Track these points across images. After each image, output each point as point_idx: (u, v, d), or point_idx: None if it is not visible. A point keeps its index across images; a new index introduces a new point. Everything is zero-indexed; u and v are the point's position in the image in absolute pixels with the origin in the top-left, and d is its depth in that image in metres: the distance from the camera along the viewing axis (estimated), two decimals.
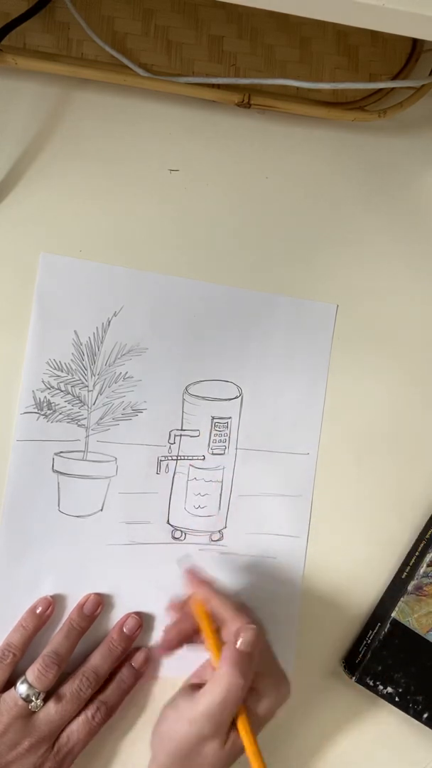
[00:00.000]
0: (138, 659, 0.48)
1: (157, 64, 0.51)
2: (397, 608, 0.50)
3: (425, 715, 0.50)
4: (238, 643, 0.41)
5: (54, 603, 0.47)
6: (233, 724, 0.41)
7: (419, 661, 0.50)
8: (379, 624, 0.50)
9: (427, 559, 0.51)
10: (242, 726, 0.41)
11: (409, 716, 0.50)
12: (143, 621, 0.48)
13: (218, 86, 0.50)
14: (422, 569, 0.51)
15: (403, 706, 0.50)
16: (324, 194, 0.54)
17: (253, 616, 0.45)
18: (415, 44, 0.54)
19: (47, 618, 0.47)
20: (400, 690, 0.50)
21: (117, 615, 0.48)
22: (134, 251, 0.51)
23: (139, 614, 0.49)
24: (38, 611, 0.47)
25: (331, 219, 0.54)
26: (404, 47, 0.54)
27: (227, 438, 0.51)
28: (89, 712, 0.46)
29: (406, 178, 0.55)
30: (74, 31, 0.50)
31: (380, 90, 0.54)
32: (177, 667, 0.49)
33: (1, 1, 0.49)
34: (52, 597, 0.47)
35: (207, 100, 0.51)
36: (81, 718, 0.45)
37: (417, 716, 0.50)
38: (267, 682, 0.43)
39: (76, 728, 0.45)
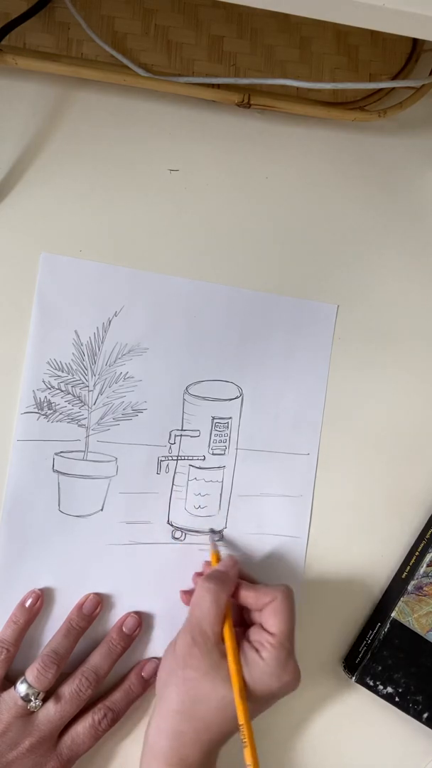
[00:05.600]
0: (148, 670, 0.48)
1: (157, 64, 0.51)
2: (396, 608, 0.50)
3: (425, 715, 0.50)
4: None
5: (43, 595, 0.47)
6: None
7: (419, 662, 0.50)
8: (379, 624, 0.51)
9: (427, 559, 0.51)
10: (226, 631, 0.43)
11: (409, 716, 0.50)
12: (143, 620, 0.48)
13: (218, 86, 0.50)
14: (422, 569, 0.51)
15: (403, 706, 0.50)
16: (324, 194, 0.54)
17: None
18: (415, 44, 0.54)
19: (37, 610, 0.47)
20: (400, 690, 0.50)
21: (117, 615, 0.48)
22: (134, 251, 0.51)
23: (138, 614, 0.49)
24: (27, 604, 0.47)
25: (331, 219, 0.54)
26: (404, 47, 0.54)
27: (227, 438, 0.51)
28: (96, 717, 0.46)
29: (406, 178, 0.55)
30: (74, 31, 0.50)
31: (380, 90, 0.54)
32: None
33: (1, 1, 0.49)
34: (41, 590, 0.47)
35: (207, 100, 0.51)
36: (87, 723, 0.45)
37: (417, 716, 0.50)
38: (271, 650, 0.43)
39: (82, 731, 0.45)
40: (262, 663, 0.42)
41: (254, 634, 0.44)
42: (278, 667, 0.42)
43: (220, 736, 0.43)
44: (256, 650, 0.43)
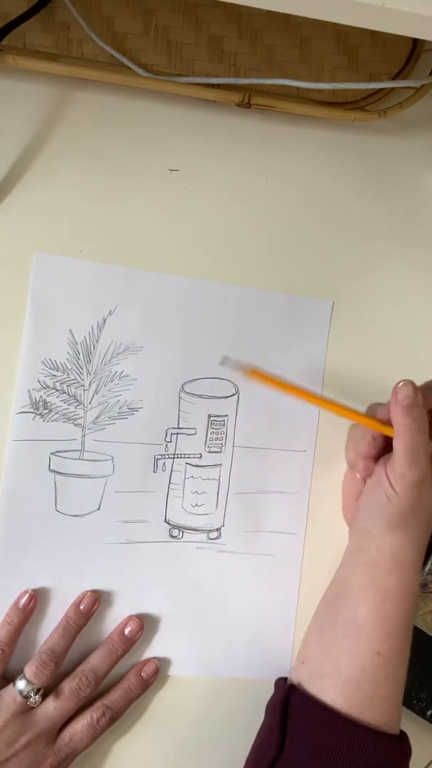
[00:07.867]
0: (148, 670, 0.48)
1: (157, 64, 0.51)
2: None
3: (429, 712, 0.50)
4: (397, 400, 0.43)
5: (36, 595, 0.47)
6: None
7: (423, 658, 0.50)
8: None
9: (431, 556, 0.51)
10: None
11: (413, 713, 0.50)
12: (144, 623, 0.48)
13: (218, 86, 0.50)
14: (427, 566, 0.51)
15: (408, 702, 0.50)
16: (323, 194, 0.54)
17: None
18: (415, 44, 0.54)
19: (31, 610, 0.47)
20: (405, 687, 0.49)
21: (114, 613, 0.48)
22: (135, 251, 0.51)
23: (140, 617, 0.48)
24: (21, 604, 0.47)
25: (330, 218, 0.54)
26: (404, 47, 0.54)
27: (224, 436, 0.51)
28: (95, 715, 0.46)
29: (406, 178, 0.55)
30: (74, 31, 0.50)
31: (380, 90, 0.54)
32: (182, 668, 0.49)
33: (1, 1, 0.49)
34: (34, 590, 0.47)
35: (207, 100, 0.51)
36: (86, 721, 0.46)
37: (421, 713, 0.50)
38: None
39: (80, 730, 0.45)
40: None
41: None
42: None
43: None
44: None
